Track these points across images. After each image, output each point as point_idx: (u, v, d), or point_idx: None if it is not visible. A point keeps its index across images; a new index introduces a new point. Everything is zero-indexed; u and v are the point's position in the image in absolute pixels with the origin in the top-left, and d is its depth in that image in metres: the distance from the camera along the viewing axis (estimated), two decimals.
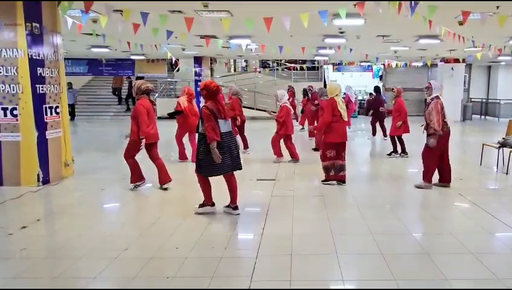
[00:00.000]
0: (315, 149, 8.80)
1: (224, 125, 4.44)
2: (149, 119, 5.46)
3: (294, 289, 2.96)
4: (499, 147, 7.12)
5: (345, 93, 17.15)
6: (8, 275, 3.23)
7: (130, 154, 5.64)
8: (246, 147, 8.92)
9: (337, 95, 5.85)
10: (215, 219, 4.56)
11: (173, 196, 5.59)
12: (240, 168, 4.68)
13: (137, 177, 5.76)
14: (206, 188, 4.66)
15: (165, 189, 5.75)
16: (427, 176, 5.81)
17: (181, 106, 7.28)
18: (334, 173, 5.98)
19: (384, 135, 10.54)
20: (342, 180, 6.00)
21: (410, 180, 6.52)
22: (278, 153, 7.87)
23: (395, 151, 8.50)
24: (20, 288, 3.02)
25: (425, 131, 5.74)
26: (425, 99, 6.05)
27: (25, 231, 4.13)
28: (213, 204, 4.75)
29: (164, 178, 5.77)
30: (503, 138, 7.17)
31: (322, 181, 6.10)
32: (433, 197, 5.63)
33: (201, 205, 4.72)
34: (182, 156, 7.74)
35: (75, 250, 3.67)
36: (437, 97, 5.62)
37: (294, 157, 7.81)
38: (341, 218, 4.69)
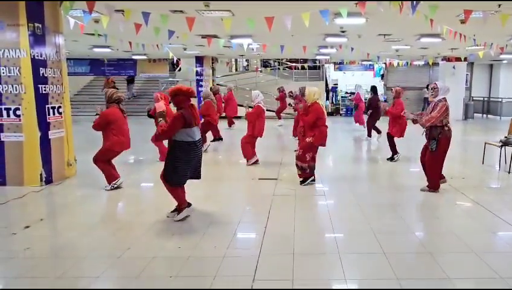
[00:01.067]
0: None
1: (197, 132, 4.38)
2: (118, 127, 5.57)
3: (296, 289, 2.96)
4: (501, 146, 7.11)
5: (350, 93, 17.21)
6: (12, 275, 3.25)
7: (101, 159, 5.68)
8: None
9: (318, 99, 5.83)
10: (217, 218, 4.57)
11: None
12: (199, 178, 4.67)
13: (111, 177, 5.74)
14: (178, 193, 4.48)
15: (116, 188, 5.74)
16: (434, 184, 5.62)
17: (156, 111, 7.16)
18: (310, 172, 6.04)
19: (369, 135, 10.75)
20: (313, 179, 6.10)
21: (412, 179, 6.52)
22: (249, 154, 7.44)
23: (394, 153, 8.04)
24: (24, 288, 3.04)
25: (426, 135, 5.55)
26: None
27: (28, 231, 4.15)
28: (189, 205, 4.65)
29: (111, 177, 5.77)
30: (506, 137, 7.16)
31: (302, 183, 6.01)
32: (435, 196, 5.62)
33: (178, 211, 4.49)
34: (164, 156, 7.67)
35: (78, 249, 3.69)
36: (445, 99, 5.40)
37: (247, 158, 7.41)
38: (343, 217, 4.69)
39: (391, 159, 7.98)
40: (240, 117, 14.06)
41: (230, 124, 13.40)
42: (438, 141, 5.30)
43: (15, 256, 3.58)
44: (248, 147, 7.44)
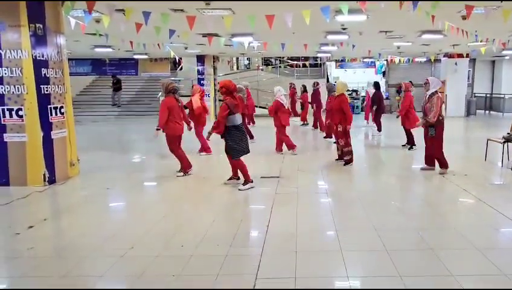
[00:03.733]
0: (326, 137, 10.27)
1: (238, 118, 5.42)
2: (175, 114, 6.24)
3: (299, 289, 2.96)
4: (504, 142, 7.09)
5: (352, 90, 17.25)
6: (16, 274, 3.27)
7: (175, 147, 6.38)
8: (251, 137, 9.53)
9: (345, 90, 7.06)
10: (219, 217, 4.59)
11: (178, 194, 5.63)
12: (248, 152, 5.63)
13: (187, 166, 6.44)
14: (243, 166, 5.55)
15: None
16: (443, 164, 6.45)
17: (193, 104, 7.76)
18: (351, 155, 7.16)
19: (379, 129, 11.07)
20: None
21: (414, 176, 6.53)
22: (291, 145, 8.19)
23: (412, 144, 8.74)
24: (28, 288, 3.06)
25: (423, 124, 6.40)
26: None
27: (32, 231, 4.17)
28: (252, 181, 5.62)
29: (186, 165, 6.46)
30: (508, 133, 7.14)
31: (346, 164, 7.10)
32: (438, 192, 5.62)
33: (244, 182, 5.58)
34: (203, 149, 8.17)
35: (82, 249, 3.71)
36: (436, 92, 6.27)
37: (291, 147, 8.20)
38: (345, 214, 4.70)
39: (410, 148, 8.73)
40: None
41: (250, 122, 13.46)
42: (435, 128, 6.23)
43: (19, 256, 3.60)
44: (286, 139, 8.19)
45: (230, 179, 5.89)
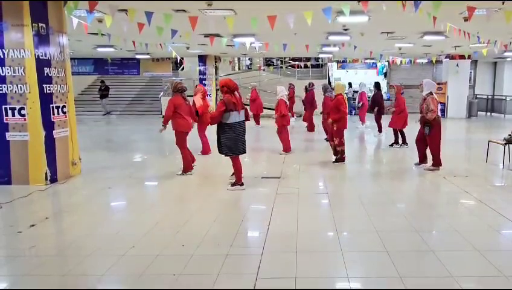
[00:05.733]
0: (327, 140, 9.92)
1: (238, 116, 5.39)
2: (182, 112, 6.46)
3: (299, 289, 2.97)
4: (505, 144, 7.09)
5: (353, 91, 17.21)
6: (18, 273, 3.29)
7: (182, 144, 6.56)
8: None
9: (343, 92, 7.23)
10: (220, 217, 4.60)
11: (179, 194, 5.64)
12: (245, 152, 5.59)
13: (188, 166, 6.58)
14: (238, 168, 5.58)
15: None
16: (436, 162, 6.76)
17: (196, 104, 7.82)
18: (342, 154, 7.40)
19: (380, 130, 11.22)
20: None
21: (415, 177, 6.52)
22: (288, 147, 8.36)
23: (396, 142, 9.22)
24: (29, 288, 3.07)
25: (418, 122, 6.87)
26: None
27: (33, 229, 4.19)
28: (242, 184, 5.64)
29: (188, 167, 6.58)
30: (509, 135, 7.13)
31: (336, 161, 7.37)
32: (439, 194, 5.62)
33: (233, 184, 5.63)
34: (205, 150, 8.19)
35: (83, 248, 3.72)
36: (431, 93, 6.66)
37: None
38: (346, 215, 4.70)
39: (395, 144, 9.18)
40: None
41: (258, 121, 13.52)
42: (430, 127, 6.58)
43: (21, 254, 3.62)
44: (286, 138, 8.29)
45: (233, 184, 5.72)
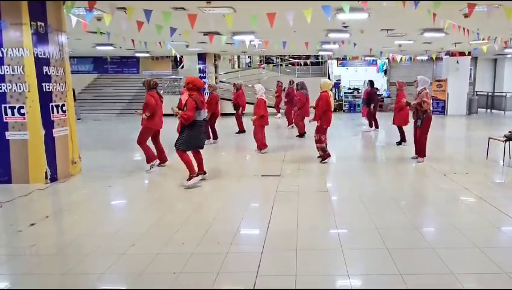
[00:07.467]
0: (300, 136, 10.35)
1: (204, 114, 5.69)
2: (156, 109, 6.54)
3: (300, 289, 2.97)
4: (505, 141, 7.08)
5: (354, 89, 17.40)
6: (18, 272, 3.29)
7: (143, 140, 6.64)
8: (215, 138, 9.73)
9: (330, 89, 7.27)
10: (220, 215, 4.60)
11: (178, 193, 5.64)
12: (202, 148, 5.84)
13: (150, 157, 6.70)
14: (188, 160, 5.65)
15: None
16: (422, 152, 7.30)
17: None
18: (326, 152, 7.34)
19: (377, 126, 11.45)
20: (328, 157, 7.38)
21: (415, 174, 6.51)
22: (263, 145, 8.29)
23: (403, 140, 9.12)
24: (30, 288, 3.07)
25: (414, 116, 7.18)
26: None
27: (33, 228, 4.19)
28: (197, 174, 5.75)
29: (151, 155, 6.73)
30: (510, 132, 7.12)
31: (322, 161, 7.28)
32: (439, 191, 5.61)
33: (188, 178, 5.65)
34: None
35: (83, 246, 3.73)
36: (425, 88, 7.11)
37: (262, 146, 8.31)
38: (346, 213, 4.70)
39: (398, 143, 9.12)
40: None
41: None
42: (422, 120, 7.06)
43: (21, 253, 3.63)
44: (261, 137, 8.24)
45: (197, 174, 5.78)
